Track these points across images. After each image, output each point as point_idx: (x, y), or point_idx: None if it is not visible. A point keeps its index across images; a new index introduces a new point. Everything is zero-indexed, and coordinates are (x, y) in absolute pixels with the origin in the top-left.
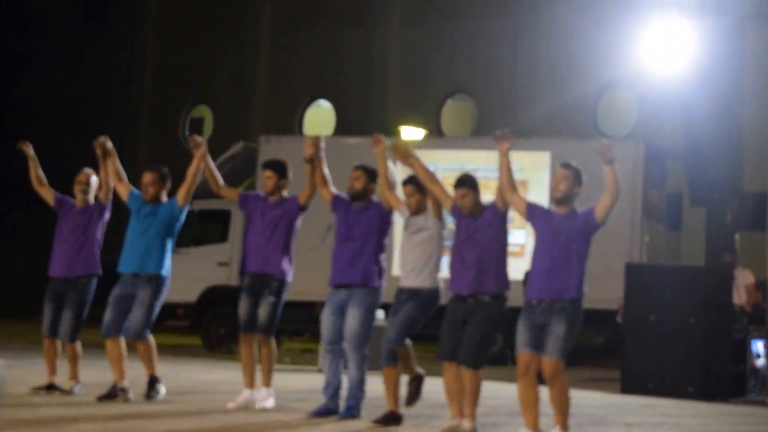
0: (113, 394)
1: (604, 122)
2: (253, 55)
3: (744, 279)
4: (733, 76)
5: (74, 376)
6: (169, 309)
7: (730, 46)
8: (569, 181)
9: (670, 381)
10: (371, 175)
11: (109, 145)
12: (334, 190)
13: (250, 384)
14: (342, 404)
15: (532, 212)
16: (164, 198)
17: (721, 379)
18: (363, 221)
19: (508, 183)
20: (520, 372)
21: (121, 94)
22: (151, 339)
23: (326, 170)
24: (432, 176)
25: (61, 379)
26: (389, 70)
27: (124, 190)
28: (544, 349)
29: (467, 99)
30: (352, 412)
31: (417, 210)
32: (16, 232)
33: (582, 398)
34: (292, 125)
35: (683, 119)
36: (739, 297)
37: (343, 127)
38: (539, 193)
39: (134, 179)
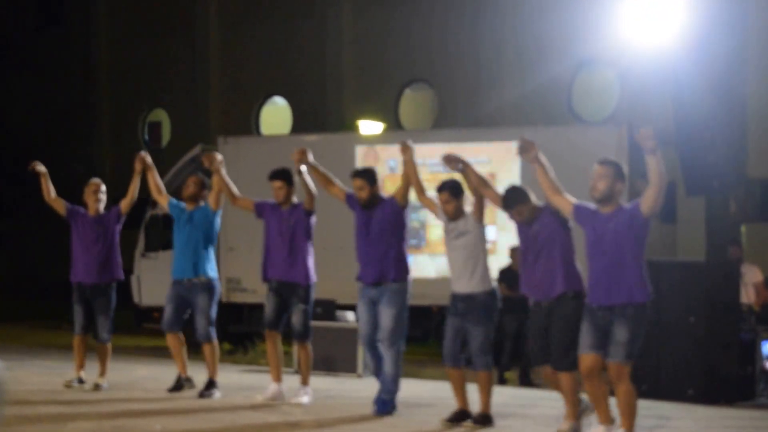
0: (179, 385)
1: (580, 105)
2: (204, 56)
3: (752, 276)
4: (733, 44)
5: (103, 374)
6: (146, 312)
7: (728, 10)
8: (608, 179)
9: (667, 383)
10: (371, 178)
11: (149, 160)
12: (343, 187)
13: (277, 378)
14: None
15: (579, 214)
16: (202, 202)
17: (726, 382)
18: (379, 220)
19: (551, 187)
20: (584, 375)
21: (80, 100)
22: (216, 343)
23: (324, 170)
24: (485, 181)
25: (89, 375)
26: (343, 62)
27: (165, 201)
28: (608, 353)
29: (426, 88)
30: (387, 407)
31: (455, 215)
32: (3, 239)
33: None
34: (248, 125)
35: (673, 98)
36: (748, 296)
37: (300, 124)
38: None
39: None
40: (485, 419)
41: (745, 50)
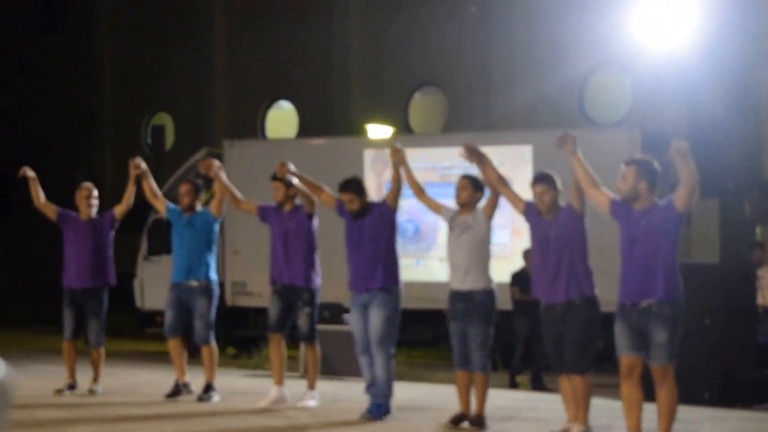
0: (177, 390)
1: (592, 108)
2: (210, 59)
3: None
4: (746, 47)
5: (97, 379)
6: (148, 317)
7: (740, 13)
8: (629, 180)
9: (683, 386)
10: (359, 190)
11: (144, 165)
12: (333, 193)
13: (279, 381)
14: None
15: (616, 209)
16: (198, 208)
17: (743, 385)
18: (369, 226)
19: (589, 180)
20: (623, 375)
21: (82, 105)
22: (214, 346)
23: (311, 178)
24: (503, 179)
25: (83, 380)
26: (351, 64)
27: (162, 205)
28: (649, 356)
29: (436, 91)
30: (382, 410)
31: (466, 204)
32: (2, 244)
33: None
34: (254, 128)
35: (687, 100)
36: (764, 298)
37: (306, 128)
38: (522, 191)
39: (101, 190)
40: (478, 421)
41: (758, 52)
